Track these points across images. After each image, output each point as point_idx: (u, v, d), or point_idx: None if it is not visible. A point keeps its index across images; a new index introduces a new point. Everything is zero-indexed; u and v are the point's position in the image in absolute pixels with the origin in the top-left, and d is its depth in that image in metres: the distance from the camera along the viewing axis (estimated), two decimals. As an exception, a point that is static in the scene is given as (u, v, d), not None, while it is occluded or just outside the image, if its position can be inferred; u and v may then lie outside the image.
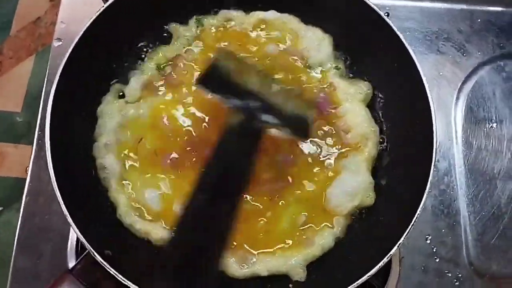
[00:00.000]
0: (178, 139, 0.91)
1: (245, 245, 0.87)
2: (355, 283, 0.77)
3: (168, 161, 0.89)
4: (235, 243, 0.86)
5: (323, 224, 0.89)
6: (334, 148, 0.94)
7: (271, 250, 0.87)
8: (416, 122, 0.91)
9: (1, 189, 1.69)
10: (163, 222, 0.87)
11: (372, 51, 0.99)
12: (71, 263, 0.94)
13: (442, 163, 1.07)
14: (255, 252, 0.87)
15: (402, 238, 0.79)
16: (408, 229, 0.79)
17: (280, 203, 0.89)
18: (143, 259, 0.85)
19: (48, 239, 0.98)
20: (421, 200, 0.81)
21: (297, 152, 0.93)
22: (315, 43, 1.01)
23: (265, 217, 0.88)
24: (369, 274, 0.78)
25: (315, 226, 0.89)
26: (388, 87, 0.99)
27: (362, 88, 1.00)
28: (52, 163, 0.80)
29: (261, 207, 0.88)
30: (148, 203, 0.88)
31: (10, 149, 1.78)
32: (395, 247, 0.78)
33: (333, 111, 0.96)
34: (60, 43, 1.12)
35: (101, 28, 0.91)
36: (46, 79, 1.09)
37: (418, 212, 0.80)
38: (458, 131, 1.10)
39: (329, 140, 0.94)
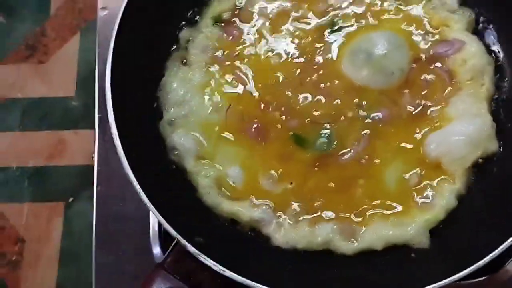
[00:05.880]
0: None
1: (351, 216, 0.76)
2: (500, 248, 0.63)
3: (253, 130, 0.79)
4: (335, 215, 0.75)
5: (440, 180, 0.76)
6: (440, 92, 0.80)
7: (383, 217, 0.75)
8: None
9: (68, 178, 1.66)
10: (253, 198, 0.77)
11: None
12: (155, 250, 0.86)
13: None
14: (363, 222, 0.75)
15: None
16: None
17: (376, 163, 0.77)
18: (235, 244, 0.77)
19: (127, 228, 0.90)
20: None
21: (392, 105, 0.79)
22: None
23: (364, 181, 0.77)
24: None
25: (430, 184, 0.76)
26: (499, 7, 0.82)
27: (463, 14, 0.85)
28: (123, 148, 0.71)
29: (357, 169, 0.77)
30: (231, 179, 0.78)
31: (70, 136, 1.73)
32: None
33: (432, 47, 0.82)
34: (106, 12, 1.00)
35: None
36: (97, 55, 0.98)
37: None
38: None
39: (434, 85, 0.80)
